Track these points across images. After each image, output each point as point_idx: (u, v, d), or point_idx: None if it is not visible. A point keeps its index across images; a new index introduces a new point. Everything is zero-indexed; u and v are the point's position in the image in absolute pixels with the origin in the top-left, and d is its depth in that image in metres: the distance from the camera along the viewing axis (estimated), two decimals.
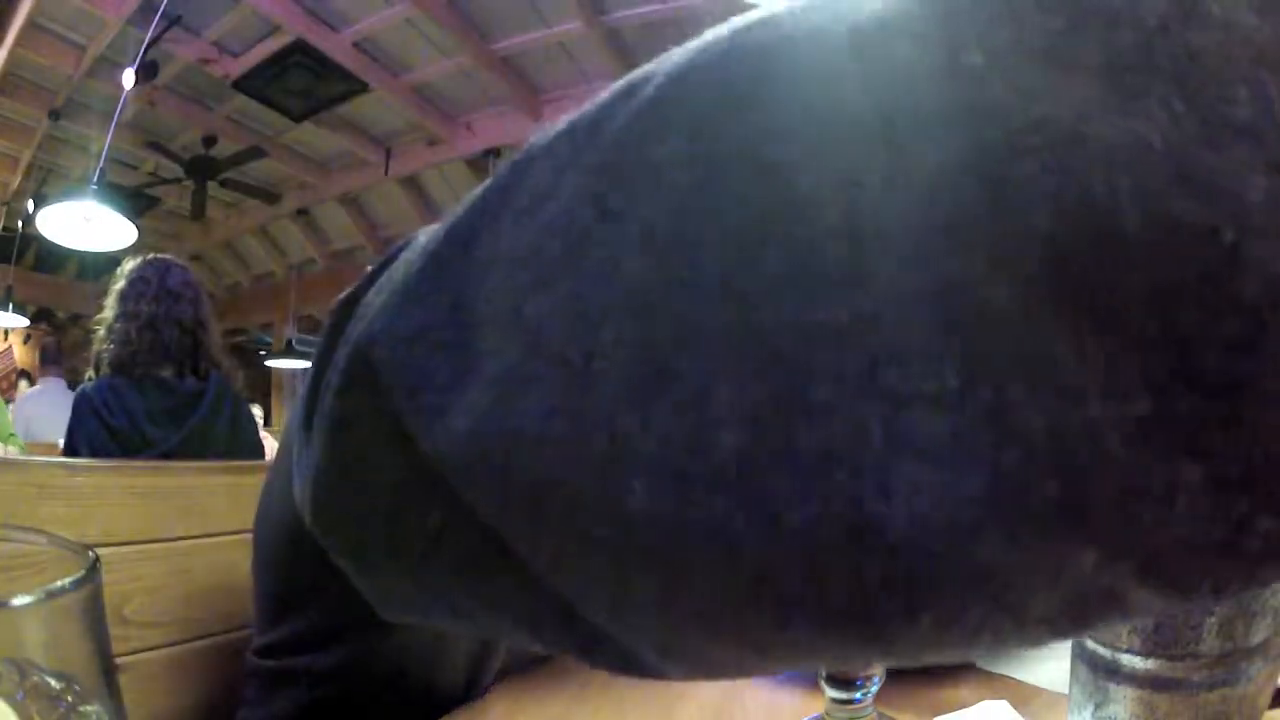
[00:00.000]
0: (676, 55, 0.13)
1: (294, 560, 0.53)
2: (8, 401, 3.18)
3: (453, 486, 0.15)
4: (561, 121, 0.15)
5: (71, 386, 3.07)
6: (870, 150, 0.11)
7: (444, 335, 0.15)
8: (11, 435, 2.53)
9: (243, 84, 4.12)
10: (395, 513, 0.17)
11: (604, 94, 0.14)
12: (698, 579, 0.12)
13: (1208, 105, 0.10)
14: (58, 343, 3.84)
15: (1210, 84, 0.10)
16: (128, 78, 3.65)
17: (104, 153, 3.54)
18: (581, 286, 0.13)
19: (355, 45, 3.85)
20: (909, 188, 0.10)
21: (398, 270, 0.16)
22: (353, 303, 0.18)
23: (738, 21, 0.13)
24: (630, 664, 0.15)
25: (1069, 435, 0.10)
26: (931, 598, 0.11)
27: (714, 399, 0.11)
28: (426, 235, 0.17)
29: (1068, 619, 0.11)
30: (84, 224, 3.02)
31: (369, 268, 0.20)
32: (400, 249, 0.18)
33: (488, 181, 0.16)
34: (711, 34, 0.13)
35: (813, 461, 0.11)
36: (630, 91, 0.13)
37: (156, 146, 4.66)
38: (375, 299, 0.16)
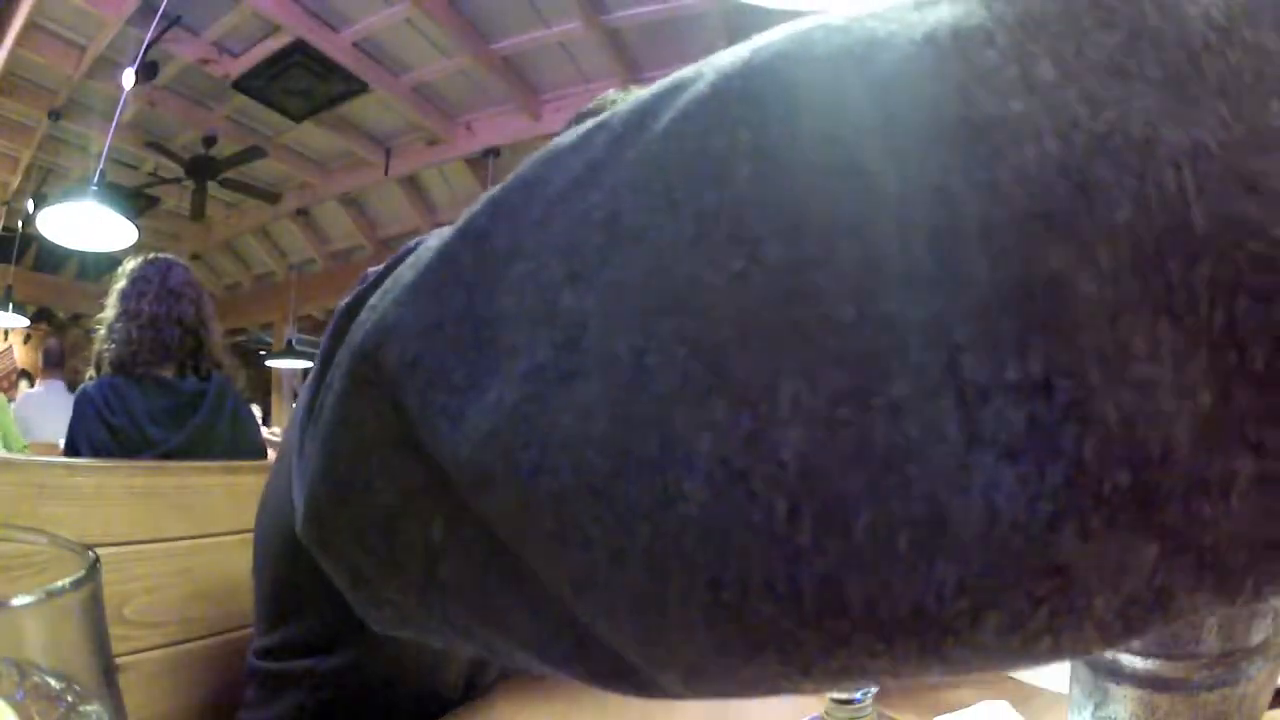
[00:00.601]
0: (728, 54, 0.13)
1: (294, 564, 0.53)
2: (9, 401, 3.18)
3: (462, 497, 0.14)
4: (587, 123, 0.14)
5: (71, 389, 3.07)
6: (958, 152, 0.11)
7: (460, 331, 0.14)
8: (25, 447, 2.54)
9: (243, 84, 4.12)
10: (394, 526, 0.16)
11: (641, 93, 0.14)
12: (753, 589, 0.11)
13: (1250, 115, 0.11)
14: (61, 345, 3.82)
15: (1249, 97, 0.11)
16: (128, 78, 3.65)
17: (104, 153, 3.54)
18: (629, 278, 0.12)
19: (355, 45, 3.85)
20: (1001, 187, 0.11)
21: (405, 271, 0.16)
22: (355, 307, 0.17)
23: (792, 27, 0.13)
24: (647, 688, 0.14)
25: (1141, 426, 0.10)
26: (1002, 597, 0.11)
27: (777, 396, 0.11)
28: (436, 238, 0.16)
29: (1122, 622, 0.11)
30: (84, 224, 3.02)
31: (369, 270, 0.19)
32: (405, 253, 0.18)
33: (506, 180, 0.15)
34: (763, 37, 0.13)
35: (885, 459, 0.11)
36: (678, 87, 0.13)
37: (156, 146, 4.65)
38: (382, 300, 0.16)
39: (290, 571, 0.54)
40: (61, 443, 1.56)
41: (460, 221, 0.15)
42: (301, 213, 5.68)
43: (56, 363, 3.74)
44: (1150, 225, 0.10)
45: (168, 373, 1.54)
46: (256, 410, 2.72)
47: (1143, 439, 0.10)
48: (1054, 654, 0.11)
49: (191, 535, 0.77)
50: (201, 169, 4.77)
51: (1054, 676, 0.49)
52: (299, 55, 3.87)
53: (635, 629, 0.13)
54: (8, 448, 2.64)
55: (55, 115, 4.24)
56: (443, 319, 0.14)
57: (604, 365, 0.12)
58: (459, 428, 0.14)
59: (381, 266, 0.18)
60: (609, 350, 0.12)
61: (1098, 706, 0.34)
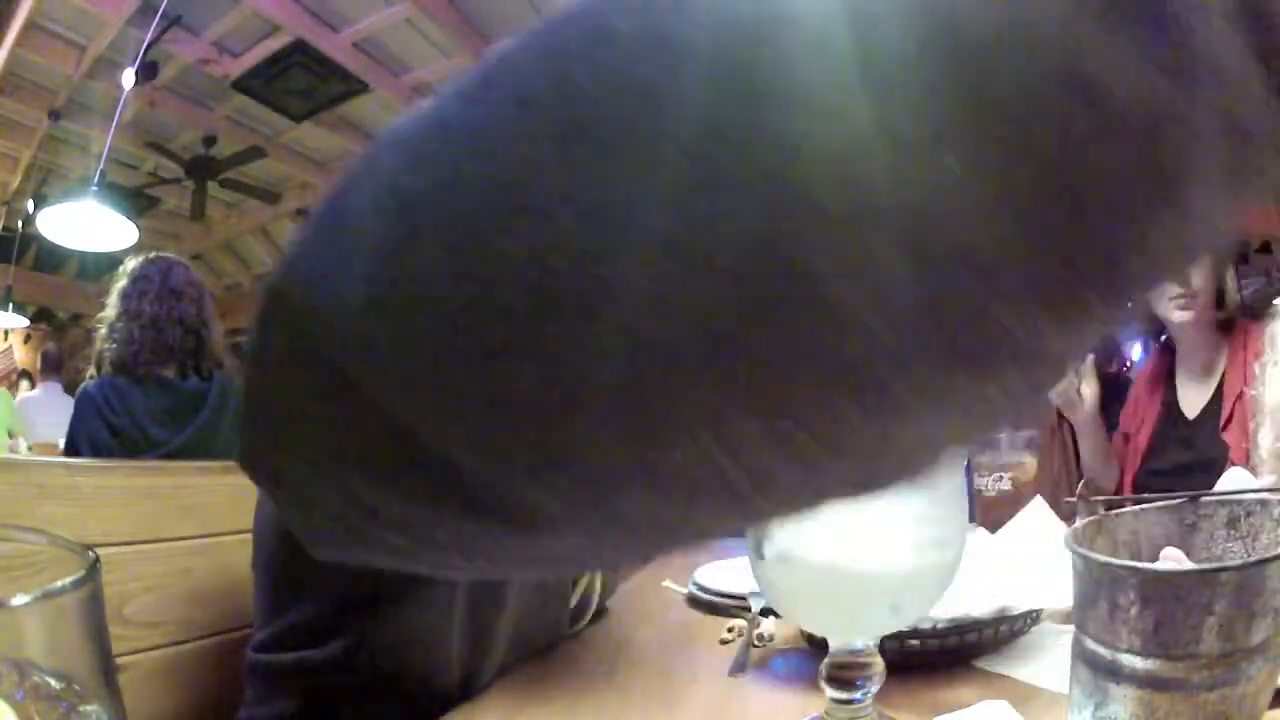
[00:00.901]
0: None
1: (291, 555, 0.53)
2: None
3: (356, 380, 0.16)
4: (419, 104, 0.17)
5: (70, 390, 3.07)
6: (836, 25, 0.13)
7: (326, 235, 0.17)
8: (29, 448, 2.54)
9: (243, 84, 4.12)
10: (307, 422, 0.18)
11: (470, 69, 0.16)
12: (565, 380, 0.14)
13: None
14: (59, 349, 3.84)
15: None
16: (128, 78, 3.65)
17: (104, 153, 3.54)
18: (458, 161, 0.15)
19: (355, 45, 3.85)
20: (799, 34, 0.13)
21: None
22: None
23: None
24: (525, 517, 0.16)
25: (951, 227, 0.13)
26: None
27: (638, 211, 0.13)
28: None
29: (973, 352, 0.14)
30: (84, 224, 3.02)
31: None
32: None
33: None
34: None
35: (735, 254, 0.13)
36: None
37: (156, 146, 4.65)
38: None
39: (287, 562, 0.55)
40: (61, 443, 1.57)
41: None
42: (301, 213, 5.68)
43: (55, 366, 3.75)
44: (949, 75, 0.12)
45: (169, 372, 1.54)
46: None
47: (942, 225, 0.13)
48: (940, 406, 0.14)
49: (192, 535, 0.77)
50: (201, 169, 4.77)
51: (1054, 676, 0.49)
52: (299, 55, 3.87)
53: (495, 437, 0.15)
54: (13, 437, 2.64)
55: (55, 115, 4.24)
56: (316, 233, 0.17)
57: (438, 228, 0.15)
58: (336, 306, 0.16)
59: None
60: (438, 220, 0.15)
61: (1098, 706, 0.34)
